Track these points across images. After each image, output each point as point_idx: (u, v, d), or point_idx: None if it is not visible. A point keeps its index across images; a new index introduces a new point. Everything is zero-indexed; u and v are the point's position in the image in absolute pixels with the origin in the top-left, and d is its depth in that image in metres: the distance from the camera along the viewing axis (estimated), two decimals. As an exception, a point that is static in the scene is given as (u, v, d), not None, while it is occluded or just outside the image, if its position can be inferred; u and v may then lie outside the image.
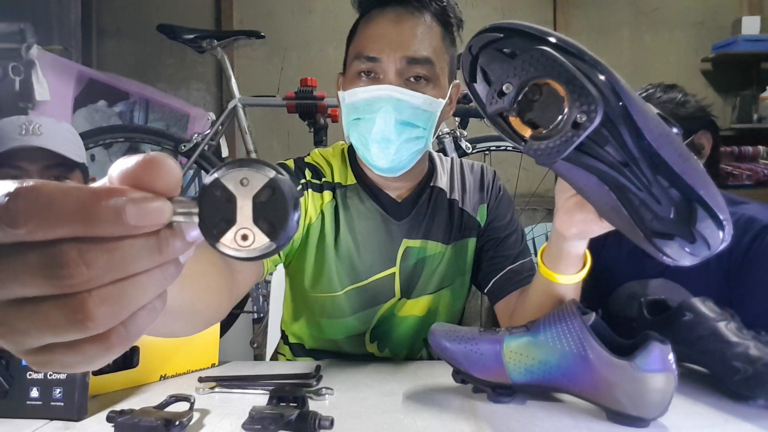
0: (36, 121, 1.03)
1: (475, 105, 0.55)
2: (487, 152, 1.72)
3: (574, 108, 0.46)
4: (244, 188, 0.24)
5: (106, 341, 0.22)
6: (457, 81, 0.85)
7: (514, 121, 0.50)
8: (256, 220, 0.24)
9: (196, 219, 0.24)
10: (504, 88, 0.49)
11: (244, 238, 0.24)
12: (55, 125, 1.05)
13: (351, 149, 0.91)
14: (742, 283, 0.86)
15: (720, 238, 0.48)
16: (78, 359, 0.23)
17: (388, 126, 0.75)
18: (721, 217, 0.47)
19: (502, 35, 0.49)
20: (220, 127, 1.83)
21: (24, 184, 0.20)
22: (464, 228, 0.91)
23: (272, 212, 0.24)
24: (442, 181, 0.92)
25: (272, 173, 0.24)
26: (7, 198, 0.20)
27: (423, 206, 0.89)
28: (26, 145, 0.99)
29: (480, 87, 0.52)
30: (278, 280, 1.20)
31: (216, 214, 0.24)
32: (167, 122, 2.46)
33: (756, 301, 0.83)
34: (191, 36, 1.79)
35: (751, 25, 2.56)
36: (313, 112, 1.76)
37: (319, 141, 1.78)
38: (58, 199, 0.20)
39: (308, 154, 0.92)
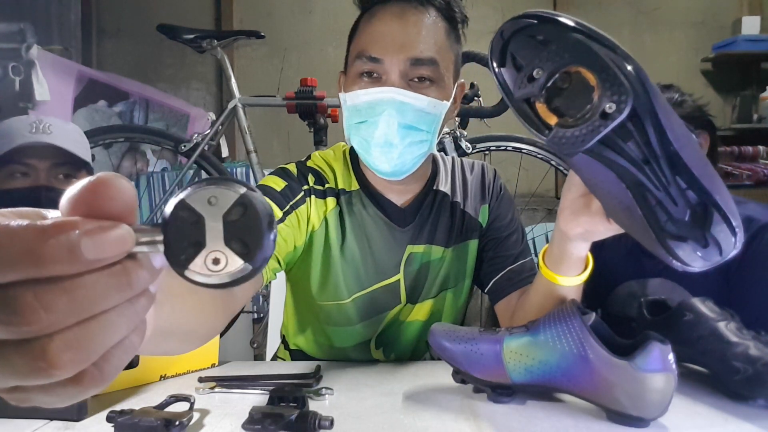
0: (46, 120, 1.03)
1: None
2: (487, 152, 1.72)
3: (605, 97, 0.46)
4: (212, 207, 0.21)
5: (78, 384, 0.21)
6: (462, 80, 0.83)
7: (541, 108, 0.50)
8: (228, 241, 0.21)
9: (161, 248, 0.21)
10: (534, 73, 0.49)
11: (216, 262, 0.21)
12: (64, 125, 1.05)
13: (353, 152, 0.89)
14: (741, 283, 0.86)
15: (732, 244, 0.48)
16: (53, 400, 0.21)
17: (391, 130, 0.73)
18: (734, 223, 0.48)
19: (536, 21, 0.49)
20: (220, 127, 1.83)
21: None
22: (466, 230, 0.89)
23: (245, 231, 0.21)
24: (445, 183, 0.91)
25: (243, 189, 0.22)
26: None
27: (426, 211, 0.88)
28: (37, 141, 0.99)
29: (507, 72, 0.52)
30: (279, 280, 1.20)
31: (183, 238, 0.21)
32: (167, 122, 2.46)
33: (756, 301, 0.83)
34: (191, 36, 1.79)
35: (751, 25, 2.56)
36: (313, 112, 1.76)
37: (319, 141, 1.78)
38: (3, 243, 0.19)
39: (309, 157, 0.90)
